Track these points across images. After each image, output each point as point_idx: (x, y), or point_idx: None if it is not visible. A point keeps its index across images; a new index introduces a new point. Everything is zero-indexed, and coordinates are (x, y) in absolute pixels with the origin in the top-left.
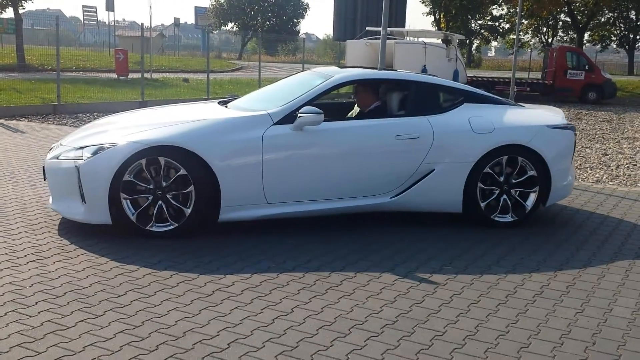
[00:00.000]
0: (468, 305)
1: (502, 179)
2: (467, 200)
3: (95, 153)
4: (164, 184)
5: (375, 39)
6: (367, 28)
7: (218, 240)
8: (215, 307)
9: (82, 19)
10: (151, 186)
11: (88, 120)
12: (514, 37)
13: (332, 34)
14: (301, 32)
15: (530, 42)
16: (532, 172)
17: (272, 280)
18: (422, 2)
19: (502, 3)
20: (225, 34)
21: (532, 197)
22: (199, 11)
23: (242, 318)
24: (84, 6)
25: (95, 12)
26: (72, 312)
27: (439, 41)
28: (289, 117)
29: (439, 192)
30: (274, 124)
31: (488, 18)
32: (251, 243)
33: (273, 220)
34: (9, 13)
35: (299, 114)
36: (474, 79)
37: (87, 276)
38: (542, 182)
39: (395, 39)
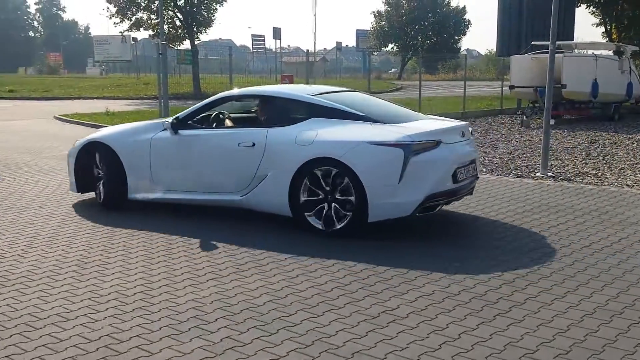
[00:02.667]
0: None
1: (326, 189)
2: (293, 207)
3: (75, 144)
4: (98, 169)
5: (542, 53)
6: (532, 42)
7: (377, 262)
8: (382, 329)
9: (251, 48)
10: (100, 170)
11: None
12: None
13: (494, 50)
14: (462, 49)
15: None
16: (350, 188)
17: (437, 305)
18: (592, 14)
19: None
20: (385, 55)
21: (354, 210)
22: (360, 34)
23: (409, 342)
24: (252, 35)
25: (264, 40)
26: (248, 329)
27: (611, 53)
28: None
29: (272, 196)
30: (163, 130)
31: None
32: (412, 261)
33: (424, 238)
34: (185, 44)
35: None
36: None
37: (261, 295)
38: (359, 196)
39: (563, 52)
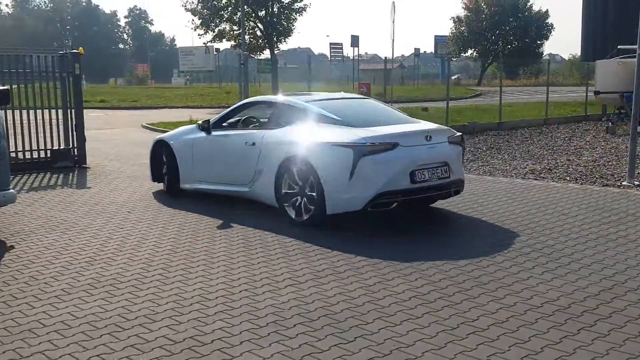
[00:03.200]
0: None
1: (300, 184)
2: (277, 199)
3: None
4: (164, 163)
5: (629, 57)
6: (619, 46)
7: (458, 272)
8: (461, 340)
9: (328, 56)
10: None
11: None
12: None
13: (578, 54)
14: (544, 54)
15: None
16: (312, 183)
17: (518, 317)
18: None
19: None
20: (464, 61)
21: (316, 202)
22: (438, 40)
23: (489, 355)
24: (330, 43)
25: (341, 48)
26: (326, 336)
27: None
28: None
29: (265, 189)
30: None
31: None
32: (491, 272)
33: (502, 250)
34: (265, 54)
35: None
36: None
37: (338, 302)
38: (318, 191)
39: None
